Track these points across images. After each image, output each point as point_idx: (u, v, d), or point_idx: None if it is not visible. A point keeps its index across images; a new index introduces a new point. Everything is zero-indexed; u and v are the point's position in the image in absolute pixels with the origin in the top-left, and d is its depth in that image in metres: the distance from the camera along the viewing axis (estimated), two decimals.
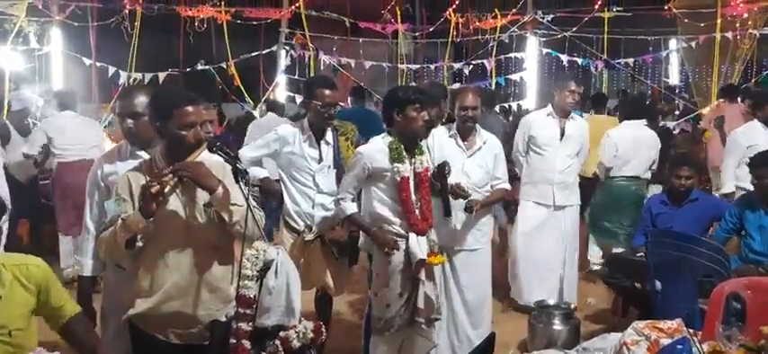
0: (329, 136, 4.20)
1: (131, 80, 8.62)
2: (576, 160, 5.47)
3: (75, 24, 8.41)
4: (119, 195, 2.69)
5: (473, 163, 4.47)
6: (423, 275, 3.73)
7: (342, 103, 8.98)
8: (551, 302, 4.85)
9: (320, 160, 4.15)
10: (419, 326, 3.78)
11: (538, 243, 5.42)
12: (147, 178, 2.68)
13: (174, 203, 2.71)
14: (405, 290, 3.73)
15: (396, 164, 3.69)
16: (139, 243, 2.65)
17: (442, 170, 3.77)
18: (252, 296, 2.76)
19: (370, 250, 3.93)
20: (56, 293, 2.64)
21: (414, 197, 3.75)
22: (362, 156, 3.75)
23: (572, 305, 5.04)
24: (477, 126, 4.62)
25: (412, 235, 3.72)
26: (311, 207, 4.16)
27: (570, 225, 5.45)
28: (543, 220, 5.40)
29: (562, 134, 5.34)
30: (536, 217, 5.42)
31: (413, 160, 3.77)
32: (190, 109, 2.67)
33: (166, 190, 2.59)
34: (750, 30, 9.11)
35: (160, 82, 8.83)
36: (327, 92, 4.10)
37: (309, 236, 4.13)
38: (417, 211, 3.75)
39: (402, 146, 3.73)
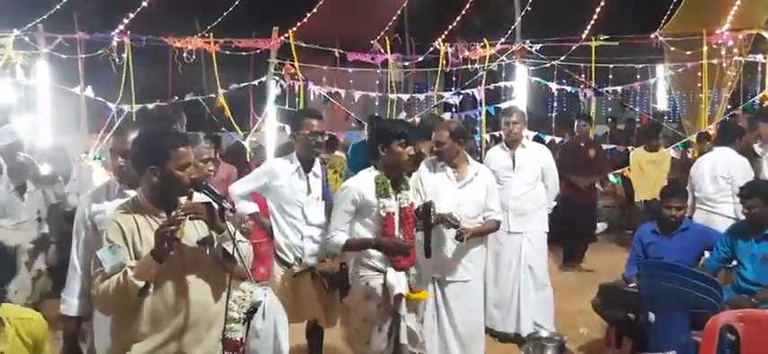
0: (317, 168, 4.21)
1: (119, 111, 8.58)
2: (534, 189, 5.58)
3: (63, 57, 8.37)
4: (112, 242, 2.62)
5: (464, 194, 4.47)
6: (403, 309, 3.68)
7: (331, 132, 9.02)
8: (544, 334, 4.82)
9: (309, 192, 4.15)
10: None
11: (497, 270, 5.56)
12: (135, 218, 2.65)
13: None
14: (384, 325, 3.68)
15: (382, 200, 3.67)
16: (151, 289, 2.60)
17: (427, 210, 3.75)
18: (239, 339, 2.71)
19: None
20: (46, 351, 2.60)
21: (397, 232, 3.72)
22: (351, 190, 3.72)
23: (539, 332, 5.00)
24: (469, 157, 4.66)
25: (390, 270, 3.70)
26: (300, 240, 4.15)
27: (532, 251, 5.53)
28: (500, 246, 5.54)
29: (513, 163, 5.54)
30: (495, 244, 5.49)
31: (398, 195, 3.75)
32: (184, 149, 2.68)
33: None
34: (736, 58, 9.20)
35: (148, 113, 8.78)
36: (315, 122, 4.15)
37: (299, 269, 4.10)
38: None
39: (388, 181, 3.71)
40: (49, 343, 2.64)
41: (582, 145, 8.36)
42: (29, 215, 6.15)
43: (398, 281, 3.67)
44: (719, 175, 5.88)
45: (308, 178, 4.16)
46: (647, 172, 8.36)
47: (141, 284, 2.54)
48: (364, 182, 3.72)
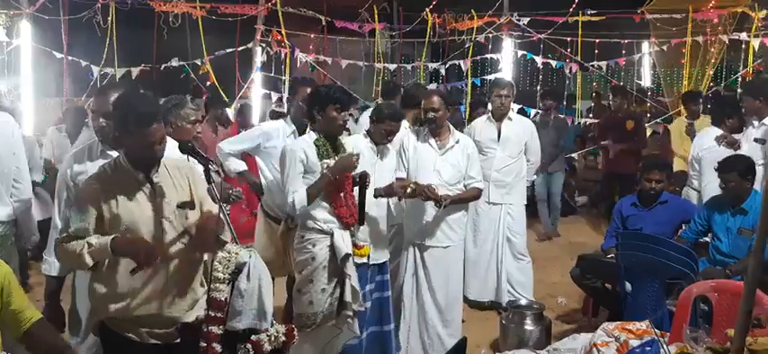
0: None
1: (103, 75, 8.47)
2: (517, 162, 5.65)
3: (46, 17, 8.23)
4: (82, 204, 2.64)
5: (445, 161, 4.55)
6: (349, 269, 3.76)
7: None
8: (523, 302, 4.90)
9: None
10: (345, 319, 3.80)
11: (475, 239, 5.64)
12: (115, 179, 2.67)
13: (147, 208, 2.68)
14: (329, 286, 3.75)
15: (324, 161, 3.72)
16: (104, 269, 2.63)
17: (363, 180, 3.81)
18: (223, 298, 2.74)
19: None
20: (16, 295, 2.55)
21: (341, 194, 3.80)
22: (296, 151, 3.76)
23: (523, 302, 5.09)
24: (451, 126, 4.71)
25: (336, 232, 3.76)
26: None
27: (511, 222, 5.63)
28: (479, 217, 5.61)
29: (499, 135, 5.58)
30: (474, 214, 5.56)
31: (337, 157, 3.79)
32: (156, 126, 2.67)
33: None
34: (720, 36, 9.26)
35: (133, 78, 8.70)
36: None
37: (285, 226, 4.18)
38: (344, 207, 3.80)
39: (327, 143, 3.76)
40: (20, 289, 2.60)
41: (620, 115, 8.30)
42: None
43: (344, 241, 3.74)
44: (692, 155, 5.97)
45: None
46: (685, 144, 7.33)
47: (91, 263, 2.57)
48: (305, 145, 3.77)
